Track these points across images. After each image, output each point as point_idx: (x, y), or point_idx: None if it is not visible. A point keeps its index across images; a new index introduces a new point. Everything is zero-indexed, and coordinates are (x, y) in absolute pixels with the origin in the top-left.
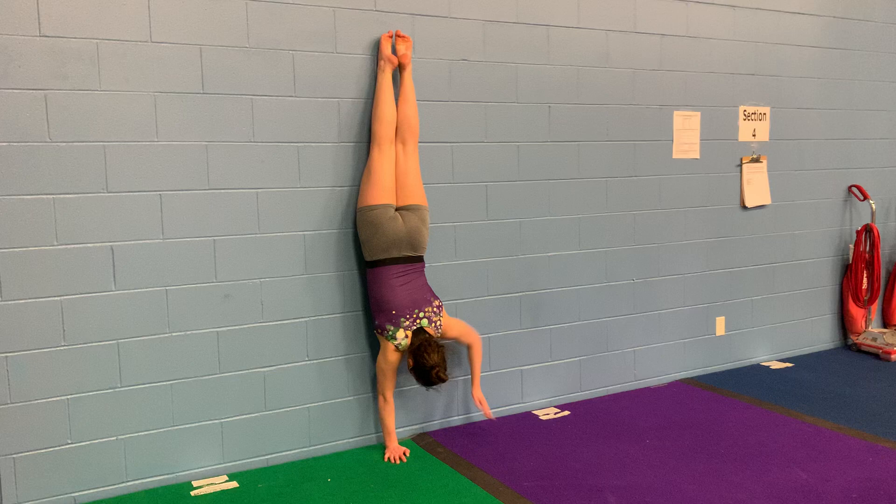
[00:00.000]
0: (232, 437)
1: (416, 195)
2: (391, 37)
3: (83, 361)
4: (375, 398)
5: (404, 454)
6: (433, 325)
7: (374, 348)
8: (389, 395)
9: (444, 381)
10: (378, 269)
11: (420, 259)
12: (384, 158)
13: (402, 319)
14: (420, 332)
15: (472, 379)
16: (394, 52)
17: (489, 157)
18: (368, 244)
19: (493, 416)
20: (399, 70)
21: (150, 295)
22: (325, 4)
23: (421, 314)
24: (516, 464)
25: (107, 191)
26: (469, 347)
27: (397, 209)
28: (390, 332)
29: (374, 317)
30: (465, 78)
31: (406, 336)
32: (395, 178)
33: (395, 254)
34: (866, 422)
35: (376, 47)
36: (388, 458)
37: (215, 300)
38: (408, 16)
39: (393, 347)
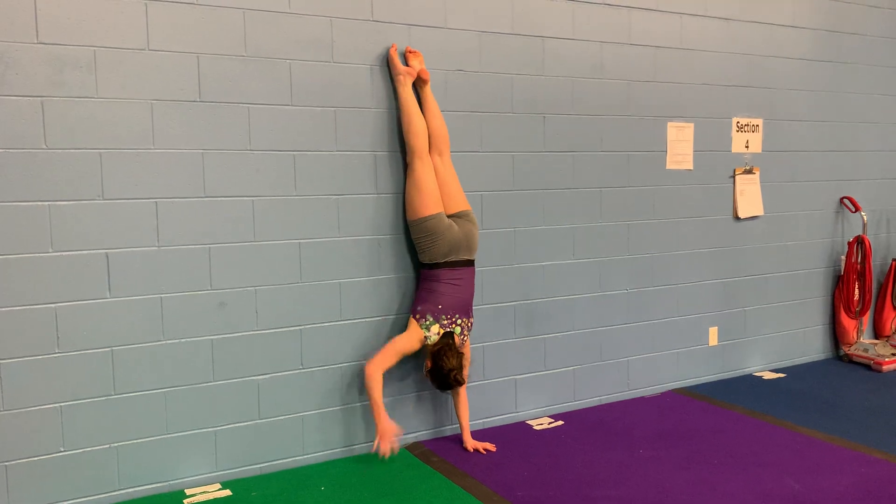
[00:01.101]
0: (226, 445)
1: (462, 201)
2: (396, 50)
3: (77, 369)
4: (369, 406)
5: (393, 444)
6: (462, 336)
7: (369, 356)
8: (381, 372)
9: (461, 383)
10: (438, 270)
11: (473, 263)
12: (426, 169)
13: (443, 317)
14: (448, 336)
15: (462, 429)
16: (404, 64)
17: (484, 166)
18: (429, 252)
19: (493, 448)
20: (419, 84)
21: (145, 302)
22: (322, 14)
23: (458, 321)
24: (510, 473)
25: (103, 198)
26: (457, 397)
27: (448, 216)
28: (428, 322)
29: (416, 303)
30: (460, 88)
31: (438, 333)
32: (440, 188)
33: (453, 258)
34: (858, 432)
35: (373, 57)
36: (379, 449)
37: (210, 308)
38: (404, 26)
39: (421, 337)
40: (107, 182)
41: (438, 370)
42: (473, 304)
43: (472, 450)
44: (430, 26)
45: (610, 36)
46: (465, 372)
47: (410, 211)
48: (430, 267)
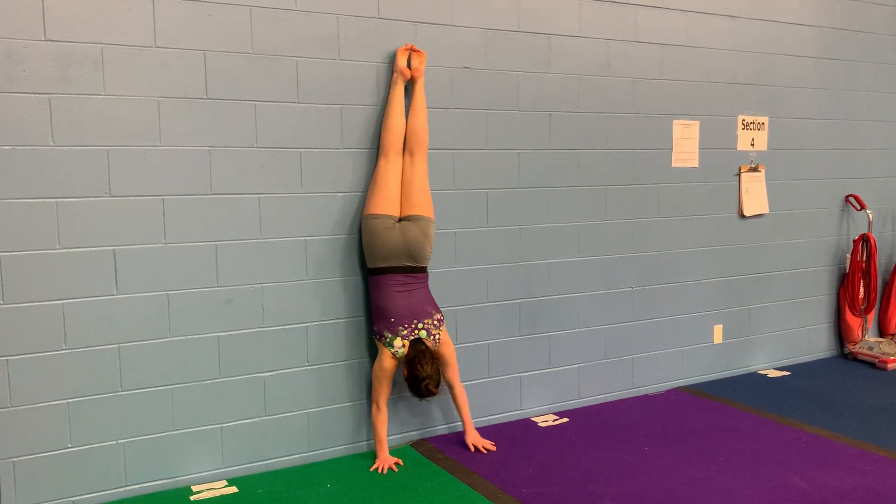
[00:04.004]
0: (232, 442)
1: (420, 206)
2: (407, 50)
3: (84, 365)
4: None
5: (395, 464)
6: (432, 337)
7: (374, 354)
8: (383, 403)
9: (433, 394)
10: (378, 277)
11: (422, 270)
12: (390, 168)
13: (400, 328)
14: (418, 342)
15: (464, 424)
16: (408, 65)
17: (490, 164)
18: (368, 251)
19: (494, 448)
20: (411, 83)
21: (152, 299)
22: (329, 11)
23: (420, 325)
24: (515, 470)
25: (110, 195)
26: (452, 387)
27: (400, 219)
28: (388, 339)
29: (373, 322)
30: (466, 85)
31: (403, 345)
32: (401, 189)
33: (393, 263)
34: (863, 430)
35: (380, 54)
36: (378, 468)
37: (217, 305)
38: (410, 23)
39: (390, 354)
40: (114, 179)
41: (413, 378)
42: (478, 301)
43: (472, 447)
44: (436, 24)
45: (616, 34)
46: (454, 369)
47: (364, 206)
48: (374, 273)
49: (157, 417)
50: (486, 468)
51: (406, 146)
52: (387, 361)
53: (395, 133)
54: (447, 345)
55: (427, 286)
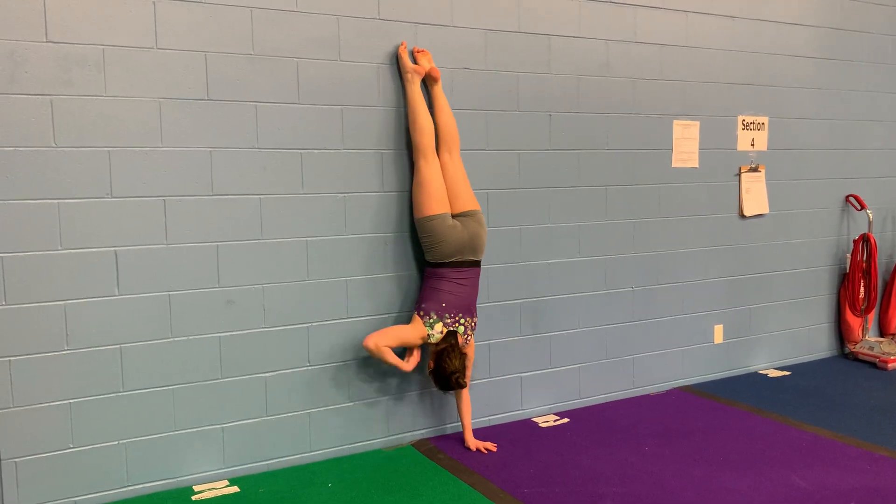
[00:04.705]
0: (233, 442)
1: (470, 201)
2: (406, 48)
3: (86, 366)
4: (375, 403)
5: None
6: (465, 336)
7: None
8: (384, 345)
9: (462, 386)
10: (442, 270)
11: (479, 264)
12: (431, 168)
13: (446, 316)
14: (452, 335)
15: (464, 428)
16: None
17: (490, 164)
18: (433, 251)
19: (495, 448)
20: (430, 82)
21: (154, 300)
22: (330, 12)
23: (462, 320)
24: (516, 470)
25: (111, 196)
26: (460, 396)
27: (454, 216)
28: (431, 320)
29: (421, 300)
30: (466, 86)
31: (441, 332)
32: (447, 187)
33: (458, 258)
34: (863, 430)
35: (380, 55)
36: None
37: (218, 305)
38: (410, 24)
39: (424, 334)
40: (115, 180)
41: (441, 371)
42: (479, 302)
43: (473, 449)
44: (436, 24)
45: (616, 34)
46: (469, 373)
47: (416, 209)
48: (435, 266)
49: (158, 418)
50: (487, 468)
51: (442, 144)
52: (414, 337)
53: (427, 132)
54: (472, 348)
55: (478, 284)
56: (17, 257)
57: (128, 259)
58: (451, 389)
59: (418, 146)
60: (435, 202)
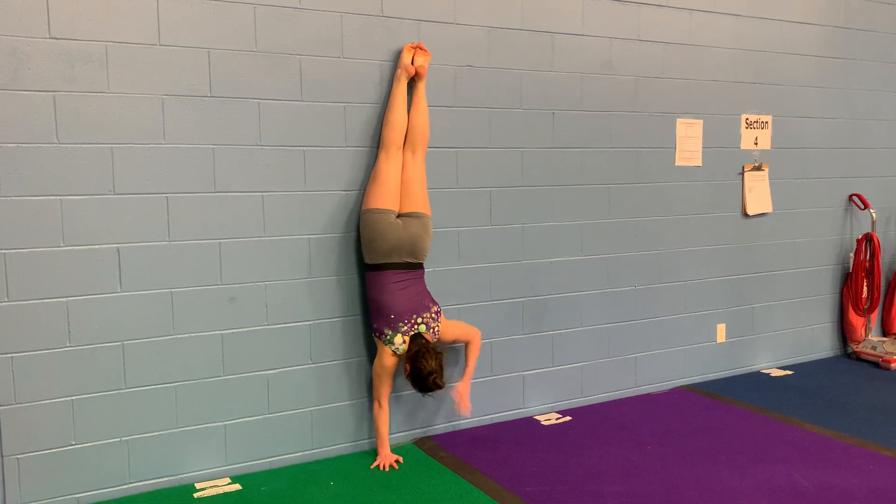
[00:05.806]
0: (235, 440)
1: (419, 203)
2: (413, 48)
3: (88, 362)
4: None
5: (396, 462)
6: (431, 330)
7: (374, 352)
8: (385, 400)
9: (440, 387)
10: (378, 274)
11: (420, 266)
12: (391, 164)
13: (401, 324)
14: (418, 337)
15: (464, 371)
16: (412, 62)
17: (493, 162)
18: (369, 247)
19: (468, 414)
20: (414, 80)
21: (156, 297)
22: (333, 10)
23: (419, 320)
24: (518, 469)
25: (114, 192)
26: (468, 343)
27: (400, 215)
28: (388, 337)
29: (371, 320)
30: (469, 84)
31: (404, 341)
32: (401, 185)
33: (395, 259)
34: (866, 429)
35: (383, 53)
36: (379, 465)
37: (220, 303)
38: (414, 21)
39: (390, 352)
40: (118, 177)
41: (417, 373)
42: (481, 300)
43: (458, 395)
44: (439, 22)
45: (619, 32)
46: (474, 341)
47: (364, 201)
48: (372, 269)
49: (160, 415)
50: (488, 466)
51: (407, 142)
52: (387, 359)
53: (397, 129)
54: (451, 330)
55: (423, 280)
56: (19, 254)
57: (130, 256)
58: (430, 391)
59: (384, 140)
60: (382, 197)
